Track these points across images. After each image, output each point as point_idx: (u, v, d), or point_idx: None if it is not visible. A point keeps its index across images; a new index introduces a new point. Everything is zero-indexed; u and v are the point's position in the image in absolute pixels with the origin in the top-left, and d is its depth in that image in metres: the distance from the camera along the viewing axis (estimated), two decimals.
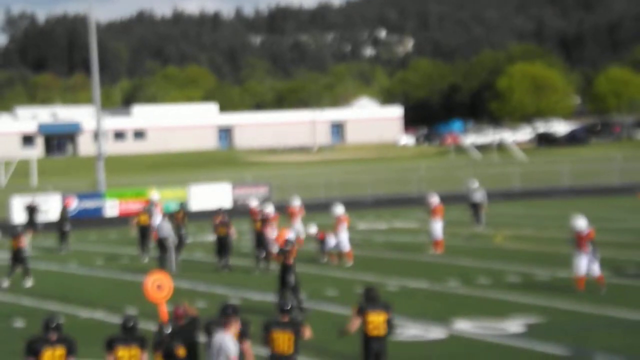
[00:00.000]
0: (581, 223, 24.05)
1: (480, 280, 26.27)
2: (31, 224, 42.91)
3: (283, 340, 14.05)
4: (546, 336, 19.73)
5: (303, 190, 59.91)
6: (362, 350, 15.25)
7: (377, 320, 15.06)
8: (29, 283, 29.32)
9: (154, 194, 45.64)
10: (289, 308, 14.34)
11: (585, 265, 23.90)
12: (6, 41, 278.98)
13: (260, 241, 30.02)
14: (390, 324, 15.21)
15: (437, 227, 32.15)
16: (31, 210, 43.51)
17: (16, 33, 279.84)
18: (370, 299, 15.27)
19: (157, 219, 36.06)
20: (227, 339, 13.13)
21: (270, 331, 14.11)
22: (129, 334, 13.61)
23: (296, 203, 34.73)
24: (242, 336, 13.68)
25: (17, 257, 29.35)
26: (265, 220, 30.31)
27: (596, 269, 23.96)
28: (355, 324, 15.20)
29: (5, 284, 29.23)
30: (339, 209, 31.11)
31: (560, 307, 22.42)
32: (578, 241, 24.04)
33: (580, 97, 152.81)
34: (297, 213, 34.56)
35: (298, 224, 34.13)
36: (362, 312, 15.14)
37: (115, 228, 44.59)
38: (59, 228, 37.89)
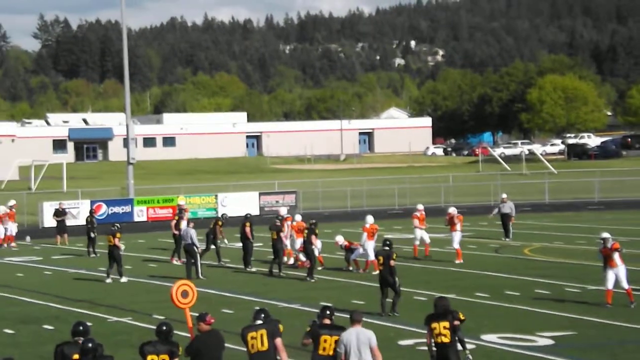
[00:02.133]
0: (606, 236, 23.91)
1: (508, 292, 26.12)
2: (61, 228, 43.03)
3: (330, 343, 14.25)
4: (575, 349, 19.59)
5: (330, 199, 59.94)
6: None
7: (439, 327, 15.16)
8: (123, 279, 29.99)
9: (181, 201, 45.92)
10: (330, 312, 14.56)
11: (613, 279, 23.71)
12: (39, 47, 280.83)
13: (307, 249, 29.82)
14: (455, 331, 15.23)
15: (456, 237, 32.72)
16: (60, 214, 43.65)
17: (49, 39, 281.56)
18: (438, 309, 15.42)
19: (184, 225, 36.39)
20: (369, 333, 14.14)
21: (319, 334, 14.29)
22: (160, 340, 13.54)
23: (298, 217, 33.99)
24: (274, 334, 14.24)
25: (111, 254, 30.21)
26: (311, 230, 30.05)
27: (624, 282, 23.74)
28: (428, 337, 15.43)
29: (108, 280, 30.18)
30: (368, 219, 31.11)
31: (590, 320, 22.24)
32: (604, 255, 23.89)
33: (612, 110, 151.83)
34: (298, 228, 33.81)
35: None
36: (427, 321, 15.36)
37: (144, 233, 44.72)
38: (87, 233, 38.09)
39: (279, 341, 14.22)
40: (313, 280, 29.14)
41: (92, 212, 40.45)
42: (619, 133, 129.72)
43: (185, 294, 16.13)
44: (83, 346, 12.85)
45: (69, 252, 39.40)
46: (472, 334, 20.60)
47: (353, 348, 14.22)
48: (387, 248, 23.42)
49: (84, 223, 39.54)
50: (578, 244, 36.94)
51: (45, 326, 23.08)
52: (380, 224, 39.70)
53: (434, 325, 15.21)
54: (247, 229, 32.37)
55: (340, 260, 32.00)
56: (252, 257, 32.68)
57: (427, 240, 34.10)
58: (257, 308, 14.44)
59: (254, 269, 32.04)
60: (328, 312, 14.56)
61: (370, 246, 30.51)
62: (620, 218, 47.57)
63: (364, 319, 14.69)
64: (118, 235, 30.48)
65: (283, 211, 33.38)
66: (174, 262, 34.33)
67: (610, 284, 23.72)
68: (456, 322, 15.26)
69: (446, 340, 15.13)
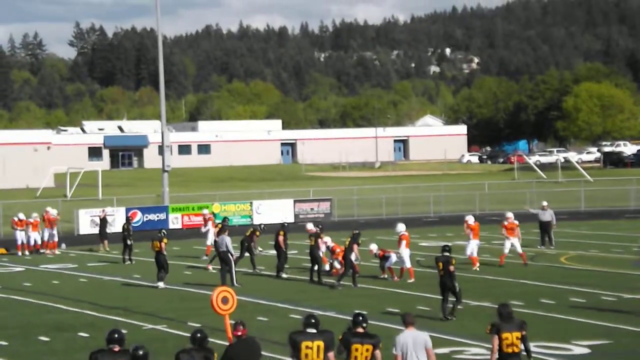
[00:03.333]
0: None
1: (544, 301, 26.00)
2: (103, 234, 43.29)
3: (362, 352, 14.11)
4: (611, 358, 19.46)
5: (365, 206, 59.89)
6: None
7: (511, 337, 15.00)
8: (160, 284, 30.25)
9: (215, 208, 46.17)
10: (363, 319, 14.37)
11: None
12: (75, 55, 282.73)
13: (347, 257, 29.76)
14: (525, 341, 15.10)
15: (472, 245, 33.14)
16: (102, 221, 43.90)
17: (85, 47, 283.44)
18: (504, 317, 15.19)
19: (211, 232, 36.63)
20: (425, 335, 14.52)
21: (350, 343, 14.12)
22: (196, 347, 13.46)
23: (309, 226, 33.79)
24: (329, 347, 13.91)
25: (157, 259, 30.51)
26: (353, 239, 29.98)
27: None
28: (494, 344, 15.11)
29: (161, 284, 30.36)
30: (401, 226, 31.12)
31: (626, 329, 22.09)
32: None
33: None
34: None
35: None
36: (496, 330, 15.10)
37: (179, 241, 44.90)
38: (123, 240, 38.33)
39: (331, 355, 13.91)
40: (340, 288, 29.15)
41: (128, 220, 40.74)
42: None
43: (225, 301, 16.12)
44: (134, 353, 12.94)
45: (105, 260, 39.62)
46: None
47: (410, 350, 14.36)
48: (446, 254, 23.92)
49: (120, 230, 39.76)
50: (614, 252, 36.70)
51: (80, 334, 23.14)
52: (416, 232, 39.73)
53: (506, 335, 14.92)
54: (281, 238, 32.40)
55: (374, 268, 31.98)
56: (287, 265, 32.71)
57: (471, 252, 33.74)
58: (308, 314, 14.20)
59: (285, 276, 32.07)
60: (361, 319, 14.36)
61: (406, 254, 30.53)
62: None
63: (414, 322, 14.78)
64: (165, 240, 30.75)
65: (310, 226, 32.92)
66: (210, 268, 34.52)
67: None
68: (524, 332, 15.15)
69: (517, 350, 15.01)
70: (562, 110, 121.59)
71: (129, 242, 37.97)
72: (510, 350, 14.96)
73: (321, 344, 13.73)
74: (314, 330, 13.86)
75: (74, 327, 24.10)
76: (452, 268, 23.64)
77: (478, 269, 32.50)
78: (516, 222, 34.28)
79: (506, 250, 34.11)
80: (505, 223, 34.26)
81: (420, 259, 33.67)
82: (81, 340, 22.43)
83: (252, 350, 13.95)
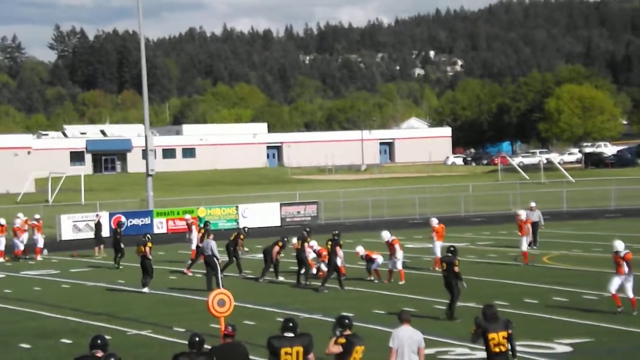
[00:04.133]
0: (618, 245, 24.04)
1: (527, 300, 26.19)
2: (99, 239, 43.15)
3: (360, 353, 14.20)
4: (592, 356, 19.64)
5: (351, 209, 60.03)
6: None
7: (497, 337, 15.14)
8: (145, 289, 30.20)
9: (200, 212, 46.21)
10: (349, 322, 14.36)
11: (617, 285, 23.88)
12: (55, 58, 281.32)
13: (332, 260, 29.90)
14: (510, 340, 15.24)
15: (437, 246, 33.59)
16: (97, 226, 43.81)
17: (65, 50, 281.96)
18: (489, 317, 15.34)
19: (195, 236, 36.66)
20: (420, 335, 14.79)
21: (354, 344, 14.13)
22: (194, 351, 13.43)
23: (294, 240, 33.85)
24: (309, 351, 13.81)
25: (143, 264, 30.48)
26: (335, 241, 30.09)
27: (629, 291, 23.87)
28: (475, 337, 15.45)
29: (146, 290, 30.26)
30: (386, 234, 31.19)
31: (607, 327, 22.32)
32: (616, 262, 24.04)
33: (627, 119, 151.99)
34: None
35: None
36: (482, 331, 15.26)
37: (164, 245, 44.90)
38: (116, 245, 38.21)
39: (311, 357, 13.84)
40: (326, 291, 29.29)
41: (120, 224, 40.75)
42: (635, 142, 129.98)
43: (222, 303, 16.16)
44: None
45: (88, 265, 39.52)
46: None
47: (407, 346, 14.62)
48: (449, 254, 24.36)
49: (107, 235, 39.65)
50: (595, 252, 36.94)
51: (63, 340, 23.00)
52: (401, 234, 39.87)
53: (492, 335, 15.06)
54: (277, 249, 32.36)
55: (361, 271, 32.10)
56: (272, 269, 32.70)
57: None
58: (286, 317, 14.15)
59: (267, 278, 32.15)
60: (347, 322, 14.33)
61: (400, 256, 30.75)
62: (636, 226, 47.59)
63: (410, 319, 15.04)
64: (149, 245, 30.74)
65: (294, 241, 32.43)
66: (189, 273, 34.57)
67: (613, 289, 23.88)
68: (510, 331, 15.31)
69: (503, 349, 15.14)
70: (544, 112, 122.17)
71: (122, 246, 37.98)
72: (497, 349, 15.10)
73: (300, 349, 13.63)
74: (292, 334, 13.75)
75: (56, 333, 23.90)
76: (456, 269, 23.98)
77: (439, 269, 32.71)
78: (528, 219, 35.21)
79: (524, 248, 34.47)
80: (523, 219, 34.83)
81: (406, 261, 33.78)
82: (64, 347, 22.26)
83: (237, 355, 13.91)
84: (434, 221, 34.56)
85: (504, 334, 15.13)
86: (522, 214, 35.52)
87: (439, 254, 33.35)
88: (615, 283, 23.96)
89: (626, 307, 23.86)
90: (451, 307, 24.03)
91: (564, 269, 32.91)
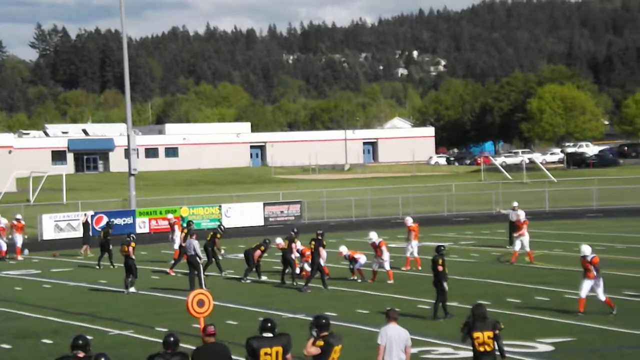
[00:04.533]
0: (585, 249, 24.11)
1: (510, 300, 26.25)
2: (86, 238, 42.98)
3: (338, 352, 14.12)
4: (575, 355, 19.69)
5: (334, 209, 60.04)
6: None
7: (482, 336, 15.16)
8: (131, 289, 30.03)
9: (183, 212, 46.05)
10: (326, 322, 14.28)
11: (588, 289, 23.94)
12: (37, 57, 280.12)
13: (315, 260, 29.88)
14: (497, 340, 15.25)
15: (414, 245, 33.70)
16: (85, 225, 43.64)
17: (47, 49, 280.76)
18: (477, 317, 15.36)
19: (177, 236, 36.56)
20: (407, 334, 14.92)
21: (332, 345, 14.06)
22: (169, 351, 13.40)
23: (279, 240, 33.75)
24: (288, 350, 13.78)
25: (126, 263, 30.29)
26: (318, 241, 30.06)
27: (601, 295, 23.93)
28: (463, 336, 15.46)
29: (132, 289, 30.10)
30: (373, 234, 31.16)
31: (588, 326, 22.40)
32: (584, 267, 24.11)
33: (609, 119, 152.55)
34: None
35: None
36: (468, 329, 15.30)
37: (146, 245, 44.78)
38: (105, 245, 37.94)
39: (289, 357, 13.82)
40: (309, 291, 29.28)
41: (109, 224, 40.55)
42: (616, 142, 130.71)
43: (201, 303, 16.12)
44: None
45: (70, 265, 39.34)
46: None
47: (395, 344, 14.72)
48: (436, 253, 24.52)
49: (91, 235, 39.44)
50: (577, 252, 36.86)
51: (44, 340, 22.88)
52: (385, 233, 39.86)
53: (477, 334, 15.12)
54: (258, 252, 32.27)
55: (344, 270, 32.09)
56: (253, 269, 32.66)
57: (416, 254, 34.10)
58: (264, 318, 14.12)
59: (250, 278, 32.10)
60: (324, 322, 14.23)
61: (386, 257, 30.79)
62: (618, 225, 47.97)
63: (398, 318, 15.09)
64: (133, 244, 30.63)
65: (279, 240, 32.43)
66: (172, 273, 34.51)
67: (583, 293, 23.93)
68: (497, 331, 15.31)
69: (489, 349, 15.17)
70: (527, 112, 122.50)
71: (111, 247, 37.90)
72: (482, 349, 15.13)
73: (280, 349, 13.61)
74: (271, 334, 13.72)
75: (37, 334, 23.77)
76: (439, 268, 24.09)
77: (418, 268, 32.88)
78: (526, 219, 35.29)
79: (517, 248, 34.69)
80: (521, 220, 34.95)
81: (390, 260, 33.71)
82: (45, 347, 22.14)
83: (219, 355, 13.83)
84: (409, 220, 34.63)
85: (490, 333, 15.14)
86: (522, 214, 35.54)
87: (416, 254, 33.56)
88: (585, 288, 23.97)
89: (604, 309, 23.86)
90: (436, 305, 24.08)
91: (546, 268, 33.00)
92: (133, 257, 30.48)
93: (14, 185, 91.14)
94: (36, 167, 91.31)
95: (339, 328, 20.89)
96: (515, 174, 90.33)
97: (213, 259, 33.85)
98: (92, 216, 49.15)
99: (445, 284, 24.08)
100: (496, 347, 15.21)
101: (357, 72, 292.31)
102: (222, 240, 35.36)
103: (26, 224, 45.96)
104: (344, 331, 22.19)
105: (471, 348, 15.21)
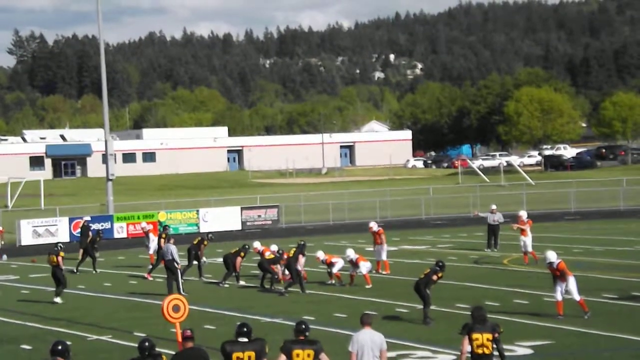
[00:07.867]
0: (550, 256, 24.24)
1: (488, 303, 26.29)
2: (84, 243, 42.74)
3: (303, 357, 14.08)
4: (554, 358, 19.76)
5: (312, 213, 60.04)
6: None
7: (481, 338, 15.17)
8: (56, 299, 29.57)
9: (160, 217, 45.92)
10: (304, 327, 14.34)
11: (561, 292, 24.08)
12: (14, 63, 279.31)
13: (291, 267, 29.82)
14: (497, 343, 15.26)
15: (380, 249, 33.72)
16: (83, 230, 43.42)
17: (25, 55, 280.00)
18: (476, 319, 15.37)
19: (153, 242, 36.42)
20: (381, 337, 14.88)
21: (291, 350, 14.09)
22: (146, 357, 13.46)
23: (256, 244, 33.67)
24: (261, 356, 13.79)
25: (54, 274, 29.83)
26: (299, 249, 30.08)
27: (575, 294, 24.02)
28: (464, 346, 15.38)
29: (58, 300, 29.60)
30: (350, 252, 31.25)
31: (567, 329, 22.47)
32: (552, 273, 24.25)
33: (586, 122, 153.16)
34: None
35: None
36: (467, 331, 15.31)
37: (124, 250, 44.63)
38: (88, 251, 37.75)
39: None
40: (287, 295, 29.26)
41: (98, 232, 40.39)
42: (594, 144, 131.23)
43: (176, 309, 16.07)
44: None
45: (48, 271, 39.05)
46: (453, 344, 20.76)
47: (367, 349, 14.65)
48: (437, 268, 24.61)
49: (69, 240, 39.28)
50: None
51: (23, 346, 22.84)
52: (362, 237, 39.88)
53: (476, 336, 15.14)
54: (239, 260, 32.20)
55: (322, 274, 32.10)
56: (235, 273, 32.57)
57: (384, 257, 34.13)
58: (240, 323, 14.22)
59: (228, 283, 32.05)
60: (303, 327, 14.33)
61: (364, 266, 30.80)
62: (595, 228, 48.17)
63: (372, 322, 15.08)
64: (61, 254, 30.04)
65: (256, 244, 32.43)
66: (150, 277, 34.41)
67: (559, 296, 24.06)
68: (496, 335, 15.34)
69: (487, 352, 15.20)
70: (504, 115, 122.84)
71: (97, 253, 37.59)
72: (480, 351, 15.17)
73: (252, 354, 13.70)
74: (246, 339, 13.81)
75: (16, 339, 23.74)
76: (434, 277, 24.28)
77: (387, 272, 33.11)
78: (529, 220, 35.58)
79: (529, 249, 34.82)
80: (524, 220, 35.17)
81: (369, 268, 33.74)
82: (24, 353, 22.12)
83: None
84: (375, 225, 34.67)
85: (489, 336, 15.18)
86: (523, 214, 35.57)
87: (384, 257, 33.69)
88: (558, 290, 24.14)
89: (578, 312, 24.01)
90: (425, 310, 24.06)
91: (524, 271, 33.10)
92: (62, 267, 30.00)
93: None
94: (14, 173, 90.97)
95: (317, 332, 20.92)
96: (493, 177, 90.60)
97: (195, 262, 33.79)
98: (89, 221, 49.17)
99: (428, 291, 24.13)
100: (496, 351, 15.25)
101: (334, 75, 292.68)
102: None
103: (4, 230, 45.71)
104: (321, 335, 22.22)
105: (459, 352, 15.20)
